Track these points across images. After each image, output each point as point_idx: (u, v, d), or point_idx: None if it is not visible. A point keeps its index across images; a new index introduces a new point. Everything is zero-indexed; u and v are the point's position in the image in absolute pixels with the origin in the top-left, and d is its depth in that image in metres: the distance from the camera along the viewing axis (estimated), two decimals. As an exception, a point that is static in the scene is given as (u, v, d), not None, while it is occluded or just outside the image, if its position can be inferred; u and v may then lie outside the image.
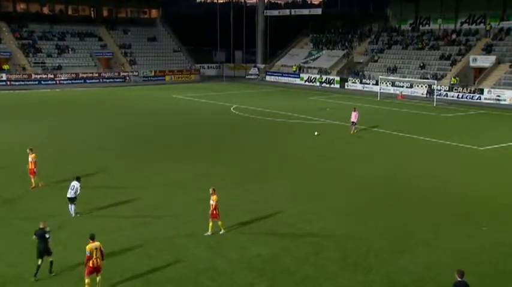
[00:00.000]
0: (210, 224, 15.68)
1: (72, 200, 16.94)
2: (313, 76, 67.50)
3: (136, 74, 68.73)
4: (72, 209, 17.02)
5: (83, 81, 63.64)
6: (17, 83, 59.01)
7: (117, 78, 66.81)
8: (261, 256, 14.32)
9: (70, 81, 62.67)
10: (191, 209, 18.01)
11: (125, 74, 67.99)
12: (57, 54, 66.40)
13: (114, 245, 14.82)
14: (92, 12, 76.97)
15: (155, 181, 21.55)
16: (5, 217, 17.09)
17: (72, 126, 34.63)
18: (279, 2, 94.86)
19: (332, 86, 64.14)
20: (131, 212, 17.48)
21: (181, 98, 51.43)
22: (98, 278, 12.13)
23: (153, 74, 70.00)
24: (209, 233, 15.64)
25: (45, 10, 73.51)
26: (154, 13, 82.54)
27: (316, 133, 31.49)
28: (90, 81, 64.11)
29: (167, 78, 70.35)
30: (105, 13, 78.00)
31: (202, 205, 18.40)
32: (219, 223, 15.80)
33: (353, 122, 32.29)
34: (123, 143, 29.60)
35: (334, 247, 15.08)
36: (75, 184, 16.97)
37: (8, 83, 58.83)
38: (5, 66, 60.48)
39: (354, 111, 32.56)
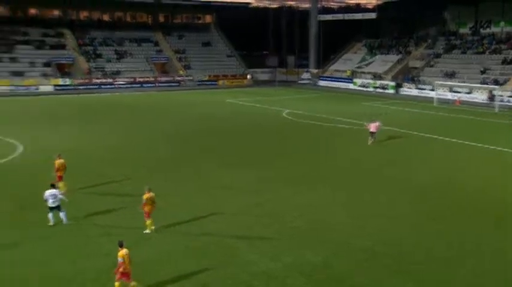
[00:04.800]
0: (148, 222, 16.04)
1: (58, 208, 16.58)
2: (366, 81, 66.56)
3: (191, 78, 70.19)
4: (50, 216, 16.61)
5: (139, 85, 65.69)
6: (81, 87, 61.72)
7: (172, 82, 68.51)
8: (312, 261, 14.28)
9: (128, 86, 64.84)
10: (244, 213, 18.21)
11: (180, 78, 69.60)
12: (116, 60, 68.95)
13: (167, 246, 15.20)
14: (149, 18, 79.41)
15: (208, 184, 21.90)
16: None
17: (127, 129, 35.76)
18: (332, 6, 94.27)
19: (386, 91, 62.95)
20: (185, 215, 17.79)
21: (234, 102, 52.05)
22: (132, 284, 12.23)
23: (206, 78, 71.26)
24: (147, 231, 16.04)
25: (106, 17, 76.53)
26: (208, 18, 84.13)
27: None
28: (147, 85, 66.09)
29: (220, 82, 71.42)
30: (161, 19, 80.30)
31: (255, 209, 18.62)
32: (147, 222, 16.05)
33: (372, 132, 31.08)
34: (176, 147, 30.24)
35: (387, 253, 14.80)
36: (54, 192, 16.52)
37: (73, 87, 61.62)
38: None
39: (374, 122, 31.26)
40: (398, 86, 62.42)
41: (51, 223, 16.56)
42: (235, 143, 31.09)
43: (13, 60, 62.50)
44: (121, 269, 12.02)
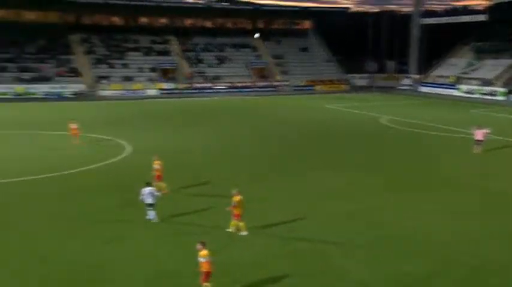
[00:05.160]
0: (241, 223, 16.31)
1: (152, 205, 17.37)
2: (472, 87, 62.70)
3: (288, 83, 70.70)
4: (152, 214, 17.45)
5: (237, 90, 67.32)
6: (183, 91, 64.74)
7: (269, 87, 69.45)
8: (412, 274, 13.72)
9: (226, 90, 66.79)
10: (339, 219, 17.97)
11: (277, 83, 70.40)
12: (216, 65, 71.45)
13: (259, 248, 15.37)
14: (249, 24, 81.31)
15: (303, 188, 21.91)
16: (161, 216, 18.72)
17: (226, 132, 36.80)
18: (436, 9, 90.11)
19: (495, 98, 58.85)
20: (279, 218, 17.94)
21: (331, 108, 51.62)
22: (205, 284, 12.34)
23: (303, 83, 71.35)
24: (230, 229, 16.44)
25: (208, 24, 79.63)
26: (306, 24, 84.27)
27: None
28: (245, 90, 67.52)
29: (317, 88, 71.14)
30: (260, 25, 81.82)
31: (351, 215, 18.31)
32: (240, 223, 16.29)
33: (479, 140, 28.72)
34: (273, 151, 30.56)
35: (497, 274, 13.80)
36: (151, 190, 17.38)
37: (177, 91, 64.83)
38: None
39: (481, 129, 28.99)
40: (510, 92, 58.08)
41: (155, 220, 17.48)
42: (332, 149, 30.81)
43: (125, 66, 67.20)
44: (203, 269, 12.24)
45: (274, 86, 69.95)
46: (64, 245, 15.55)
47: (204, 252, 12.29)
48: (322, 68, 75.76)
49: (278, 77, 71.79)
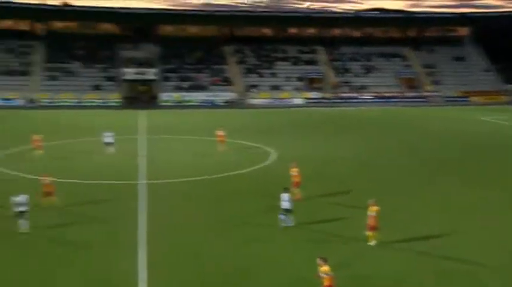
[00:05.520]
0: (374, 234, 15.96)
1: (288, 211, 17.70)
2: None
3: (439, 94, 66.92)
4: (286, 219, 17.77)
5: (384, 100, 65.49)
6: (329, 101, 64.98)
7: (418, 98, 66.45)
8: None
9: (373, 100, 65.39)
10: (492, 239, 16.52)
11: (427, 94, 67.04)
12: (363, 74, 70.45)
13: (405, 264, 14.78)
14: (399, 33, 78.75)
15: (448, 203, 20.69)
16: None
17: (372, 144, 35.95)
18: None
19: None
20: (420, 233, 17.12)
21: (487, 120, 47.75)
22: None
23: (456, 94, 66.94)
24: (371, 243, 16.07)
25: (357, 34, 78.93)
26: (462, 31, 78.98)
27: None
28: (392, 100, 65.44)
29: (472, 99, 66.22)
30: (410, 33, 78.71)
31: (507, 235, 16.72)
32: (369, 233, 15.94)
33: None
34: (423, 164, 29.16)
35: None
36: (289, 196, 17.78)
37: (325, 100, 65.30)
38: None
39: None
40: None
41: (282, 225, 17.77)
42: (486, 164, 28.53)
43: (273, 75, 69.74)
44: (325, 284, 11.83)
45: (424, 97, 66.73)
46: (214, 245, 16.37)
47: (325, 268, 11.87)
48: (478, 77, 70.29)
49: (428, 88, 68.32)
